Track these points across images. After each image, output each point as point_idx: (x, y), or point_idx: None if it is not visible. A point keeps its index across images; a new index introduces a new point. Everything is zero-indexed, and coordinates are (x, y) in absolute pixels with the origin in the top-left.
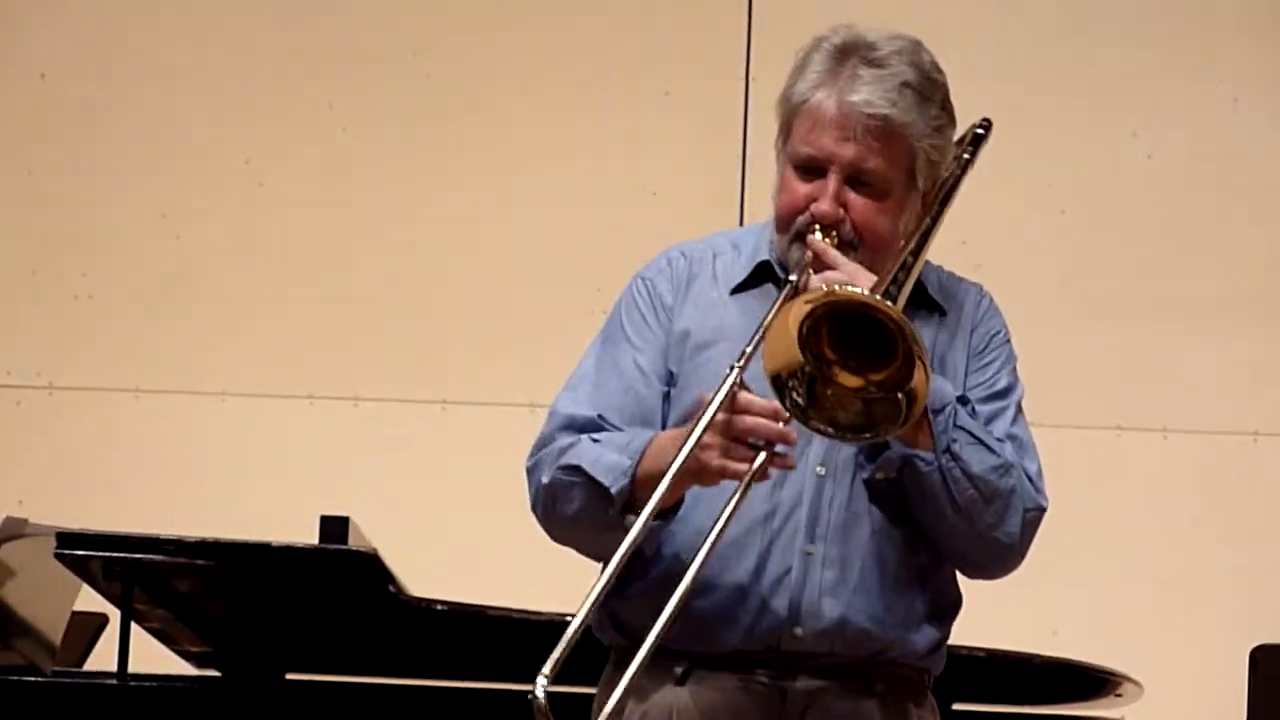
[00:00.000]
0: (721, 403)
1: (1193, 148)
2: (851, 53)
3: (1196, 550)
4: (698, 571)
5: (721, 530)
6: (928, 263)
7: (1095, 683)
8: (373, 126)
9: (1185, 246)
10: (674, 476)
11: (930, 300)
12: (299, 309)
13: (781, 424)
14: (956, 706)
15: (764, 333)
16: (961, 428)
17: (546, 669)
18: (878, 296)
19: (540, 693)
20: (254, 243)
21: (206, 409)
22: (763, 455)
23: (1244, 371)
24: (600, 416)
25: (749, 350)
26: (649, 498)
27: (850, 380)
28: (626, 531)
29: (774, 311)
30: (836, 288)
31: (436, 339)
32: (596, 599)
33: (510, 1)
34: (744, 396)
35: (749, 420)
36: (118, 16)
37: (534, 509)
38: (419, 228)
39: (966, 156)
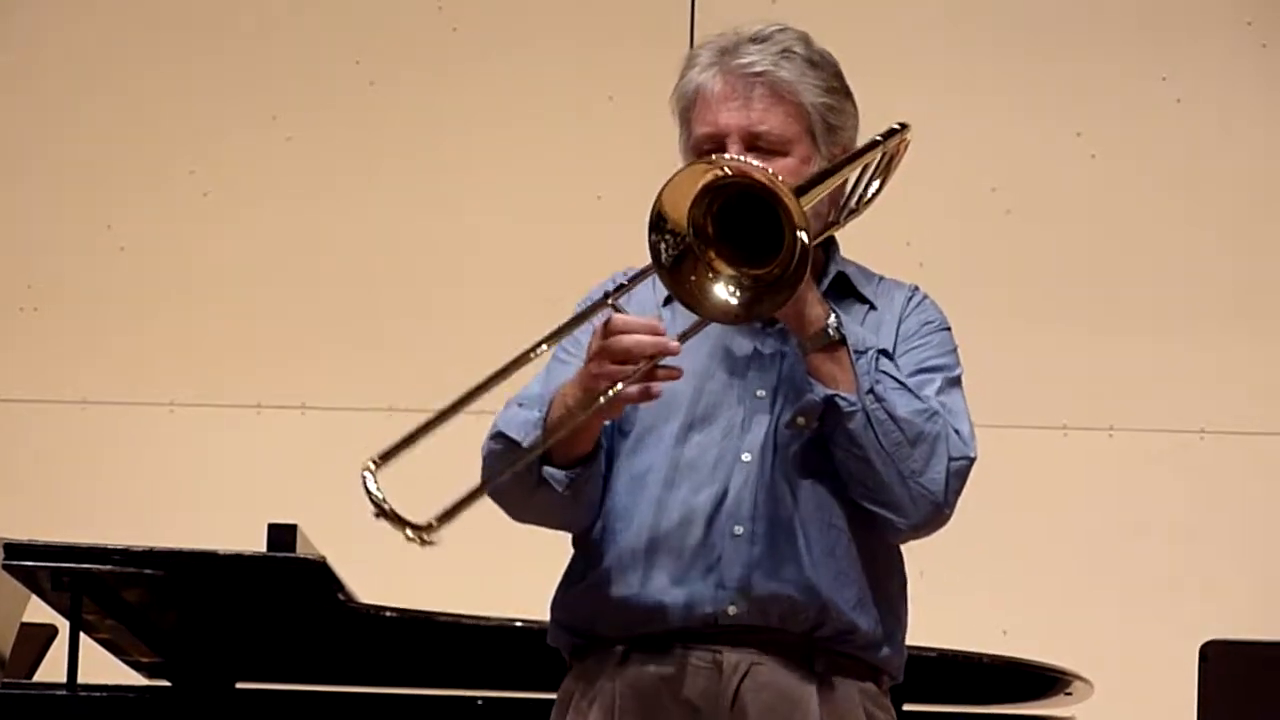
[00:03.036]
0: (597, 333)
1: (1136, 147)
2: (737, 43)
3: (1145, 547)
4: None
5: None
6: (861, 268)
7: (1045, 682)
8: (317, 136)
9: (1130, 246)
10: (570, 411)
11: (857, 293)
12: (245, 318)
13: (662, 337)
14: (907, 707)
15: (656, 205)
16: (885, 372)
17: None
18: (780, 181)
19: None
20: (199, 253)
21: (154, 419)
22: (642, 364)
23: (1189, 369)
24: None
25: (625, 283)
26: (565, 448)
27: (724, 267)
28: (554, 489)
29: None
30: (743, 164)
31: (383, 346)
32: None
33: (452, 11)
34: (618, 319)
35: (628, 339)
36: (59, 29)
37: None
38: (365, 236)
39: (879, 138)
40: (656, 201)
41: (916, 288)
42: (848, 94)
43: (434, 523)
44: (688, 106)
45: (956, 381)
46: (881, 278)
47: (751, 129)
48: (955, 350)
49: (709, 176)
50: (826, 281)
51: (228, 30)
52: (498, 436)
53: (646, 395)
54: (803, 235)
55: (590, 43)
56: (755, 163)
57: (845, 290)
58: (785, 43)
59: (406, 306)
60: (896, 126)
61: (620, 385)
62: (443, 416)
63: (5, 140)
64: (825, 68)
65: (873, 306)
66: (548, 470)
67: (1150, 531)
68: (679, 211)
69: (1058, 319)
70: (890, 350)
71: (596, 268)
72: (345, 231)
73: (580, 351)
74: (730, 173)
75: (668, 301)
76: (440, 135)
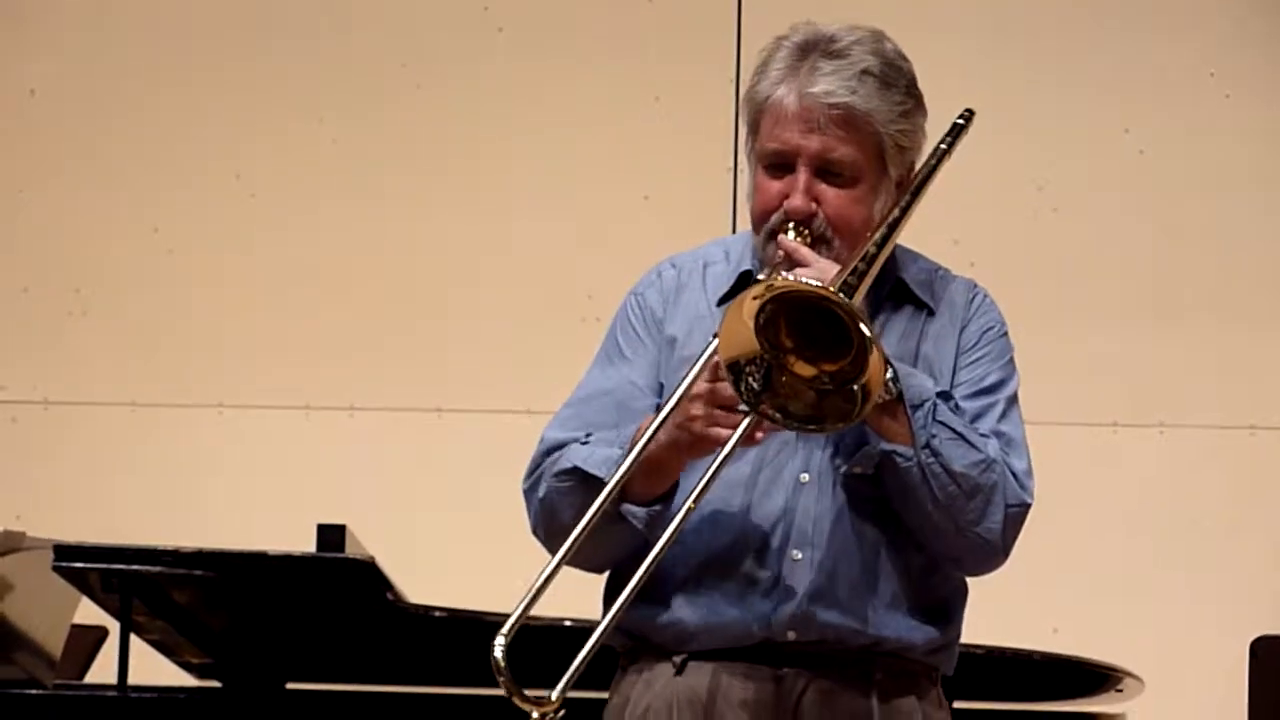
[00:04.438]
0: (700, 372)
1: (1185, 143)
2: (812, 48)
3: (1195, 544)
4: (664, 545)
5: (699, 497)
6: (920, 259)
7: (1096, 678)
8: (363, 138)
9: (1178, 242)
10: (659, 450)
11: (916, 299)
12: (293, 320)
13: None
14: (957, 704)
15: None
16: (942, 423)
17: (505, 628)
18: (831, 289)
19: (499, 652)
20: (247, 255)
21: (202, 421)
22: (749, 418)
23: (1239, 366)
24: (588, 436)
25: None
26: (648, 484)
27: (804, 369)
28: (627, 526)
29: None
30: (789, 278)
31: (431, 347)
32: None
33: (499, 11)
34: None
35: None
36: (107, 33)
37: (534, 531)
38: (411, 236)
39: (944, 146)
40: (723, 353)
41: (975, 285)
42: (919, 103)
43: (555, 699)
44: (757, 114)
45: (1014, 398)
46: (938, 270)
47: (823, 156)
48: (1012, 357)
49: (755, 307)
50: (886, 289)
51: (274, 33)
52: (571, 473)
53: (751, 440)
54: (864, 330)
55: (637, 43)
56: (792, 274)
57: (904, 296)
58: (862, 61)
59: (454, 307)
60: (961, 121)
61: (723, 430)
62: (549, 579)
63: (52, 144)
64: (899, 84)
65: (931, 312)
66: (626, 507)
67: (1200, 528)
68: (747, 341)
69: (1106, 316)
70: (951, 366)
71: (643, 267)
72: (392, 233)
73: (642, 352)
74: (771, 297)
75: (721, 302)
76: (486, 136)
